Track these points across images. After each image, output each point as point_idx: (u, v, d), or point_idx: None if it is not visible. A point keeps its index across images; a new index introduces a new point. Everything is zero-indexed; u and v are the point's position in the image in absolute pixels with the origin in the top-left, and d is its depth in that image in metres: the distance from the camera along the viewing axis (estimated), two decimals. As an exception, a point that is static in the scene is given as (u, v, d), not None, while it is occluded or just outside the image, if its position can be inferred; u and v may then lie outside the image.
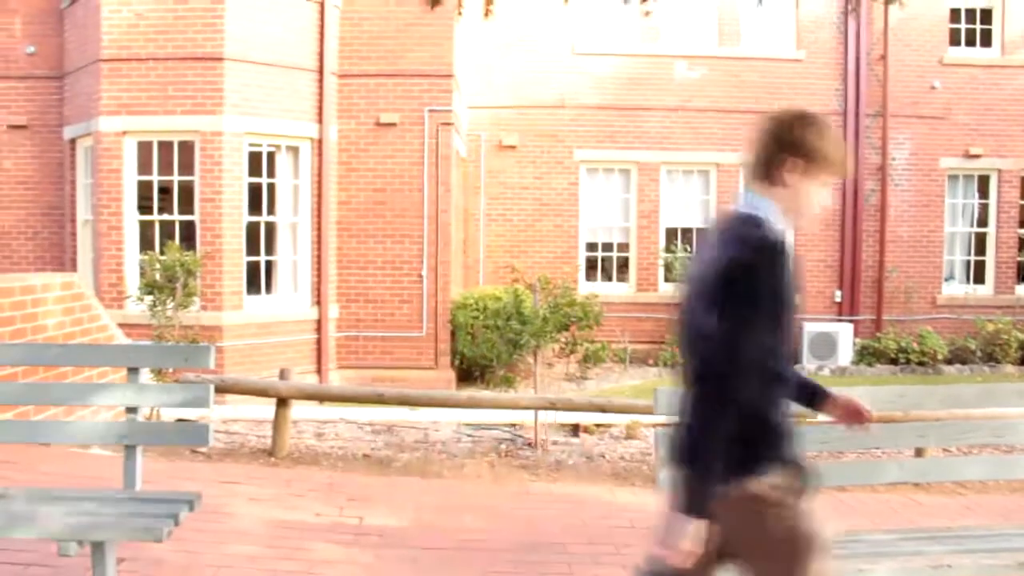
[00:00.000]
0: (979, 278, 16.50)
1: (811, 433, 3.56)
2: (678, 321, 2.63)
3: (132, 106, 11.31)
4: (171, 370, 8.28)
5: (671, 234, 15.85)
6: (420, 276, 12.57)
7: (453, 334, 12.69)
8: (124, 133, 11.36)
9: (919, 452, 6.10)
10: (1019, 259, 16.38)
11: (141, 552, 4.11)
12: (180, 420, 6.70)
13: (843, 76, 15.71)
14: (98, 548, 3.30)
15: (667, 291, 15.59)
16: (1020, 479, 6.29)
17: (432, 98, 12.50)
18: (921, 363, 14.96)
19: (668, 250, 15.70)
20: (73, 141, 12.46)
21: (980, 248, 16.51)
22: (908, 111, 15.86)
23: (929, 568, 3.15)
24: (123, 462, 3.71)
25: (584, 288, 14.53)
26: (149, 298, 8.99)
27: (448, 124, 12.59)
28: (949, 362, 15.21)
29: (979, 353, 15.28)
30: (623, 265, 15.95)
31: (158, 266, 9.00)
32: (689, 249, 15.62)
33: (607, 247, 16.00)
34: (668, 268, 15.56)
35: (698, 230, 15.79)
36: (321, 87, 12.18)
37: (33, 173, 12.89)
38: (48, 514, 3.29)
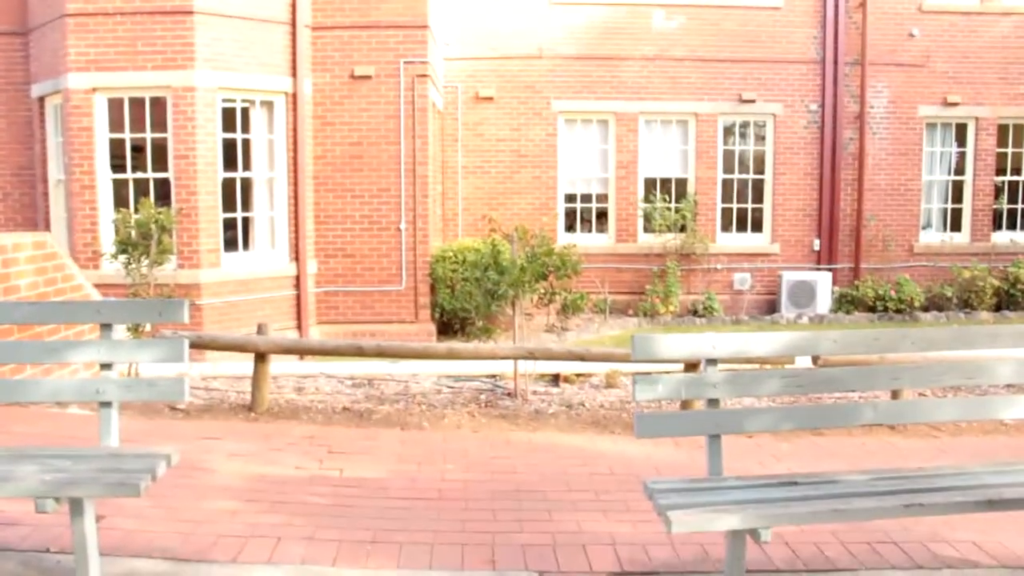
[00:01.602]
0: (956, 226, 16.61)
1: (788, 376, 3.58)
2: None
3: (101, 62, 11.11)
4: (149, 328, 8.24)
5: (650, 184, 15.82)
6: (398, 229, 12.52)
7: (433, 287, 12.68)
8: (94, 90, 11.17)
9: (895, 395, 6.18)
10: (995, 207, 16.48)
11: (120, 509, 4.11)
12: (161, 377, 6.66)
13: (822, 24, 15.62)
14: (76, 505, 3.28)
15: (646, 241, 15.61)
16: (992, 420, 6.38)
17: (407, 50, 12.36)
18: (899, 310, 15.10)
19: (647, 200, 15.69)
20: (41, 99, 12.26)
21: (957, 196, 16.59)
22: (886, 59, 15.83)
23: (902, 507, 3.19)
24: (99, 419, 3.68)
25: (564, 239, 14.50)
26: (123, 256, 8.90)
27: (424, 76, 12.45)
28: (926, 309, 15.37)
29: (955, 300, 15.44)
30: (602, 216, 15.93)
31: (132, 223, 8.90)
32: (667, 199, 15.62)
33: (586, 198, 15.96)
34: (647, 219, 15.56)
35: (677, 180, 15.79)
36: (294, 40, 12.00)
37: (1, 133, 12.68)
38: (24, 472, 3.26)
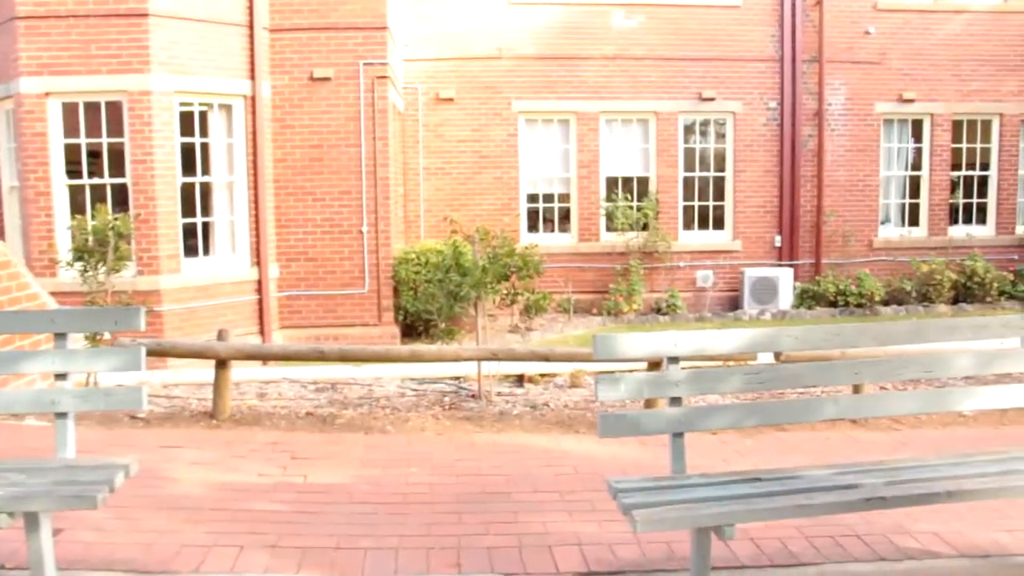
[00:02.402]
0: (914, 221, 16.84)
1: (750, 373, 3.59)
2: None
3: (54, 66, 10.92)
4: (108, 337, 8.11)
5: (612, 183, 15.87)
6: (360, 232, 12.44)
7: (396, 289, 12.62)
8: (47, 94, 10.98)
9: (856, 389, 6.24)
10: (951, 202, 16.73)
11: (79, 521, 4.04)
12: (118, 386, 6.56)
13: (779, 22, 15.76)
14: (31, 519, 3.22)
15: (609, 240, 15.65)
16: (951, 412, 6.47)
17: (367, 51, 12.29)
18: (859, 305, 15.29)
19: (609, 199, 15.74)
20: (-7, 104, 12.03)
21: (914, 191, 16.82)
22: (843, 56, 16.01)
23: (864, 500, 3.21)
24: (55, 430, 3.61)
25: (527, 239, 14.50)
26: (79, 264, 8.76)
27: (384, 78, 12.39)
28: (886, 303, 15.57)
29: (914, 294, 15.66)
30: (565, 216, 15.95)
31: (88, 230, 8.76)
32: (629, 198, 15.68)
33: (548, 198, 15.97)
34: (610, 218, 15.61)
35: (639, 179, 15.85)
36: (252, 42, 11.89)
37: (-47, 138, 12.41)
38: (-24, 486, 3.19)
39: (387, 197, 12.56)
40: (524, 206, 15.83)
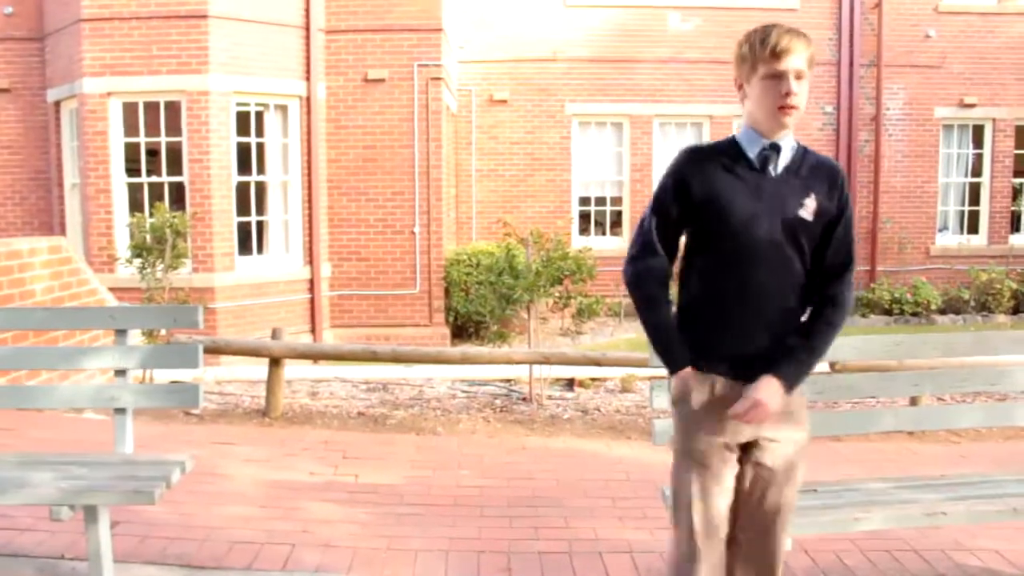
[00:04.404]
0: (973, 228, 16.47)
1: (805, 383, 3.52)
2: None
3: (116, 67, 11.14)
4: (164, 333, 8.24)
5: (664, 188, 15.72)
6: (412, 233, 12.50)
7: (447, 291, 12.66)
8: (109, 94, 11.20)
9: (914, 401, 6.11)
10: (1013, 209, 16.34)
11: (135, 515, 4.10)
12: (174, 382, 6.67)
13: (837, 26, 15.54)
14: (90, 512, 3.27)
15: (661, 245, 15.52)
16: (1014, 427, 6.31)
17: (421, 52, 12.34)
18: (915, 313, 14.99)
19: (661, 204, 15.59)
20: (57, 104, 12.30)
21: (974, 198, 16.46)
22: (902, 60, 15.73)
23: (924, 515, 3.14)
24: (114, 425, 3.68)
25: (578, 243, 14.44)
26: (138, 261, 8.90)
27: (438, 79, 12.43)
28: (942, 312, 15.24)
29: (972, 303, 15.30)
30: (616, 219, 15.88)
31: (146, 228, 8.90)
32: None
33: (600, 201, 15.91)
34: (661, 222, 15.48)
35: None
36: (308, 44, 12.00)
37: (17, 137, 12.74)
38: (40, 479, 3.26)
39: (439, 198, 12.60)
40: (576, 209, 15.78)
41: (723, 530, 2.56)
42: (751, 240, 2.46)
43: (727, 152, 2.54)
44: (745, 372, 2.50)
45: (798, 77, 2.44)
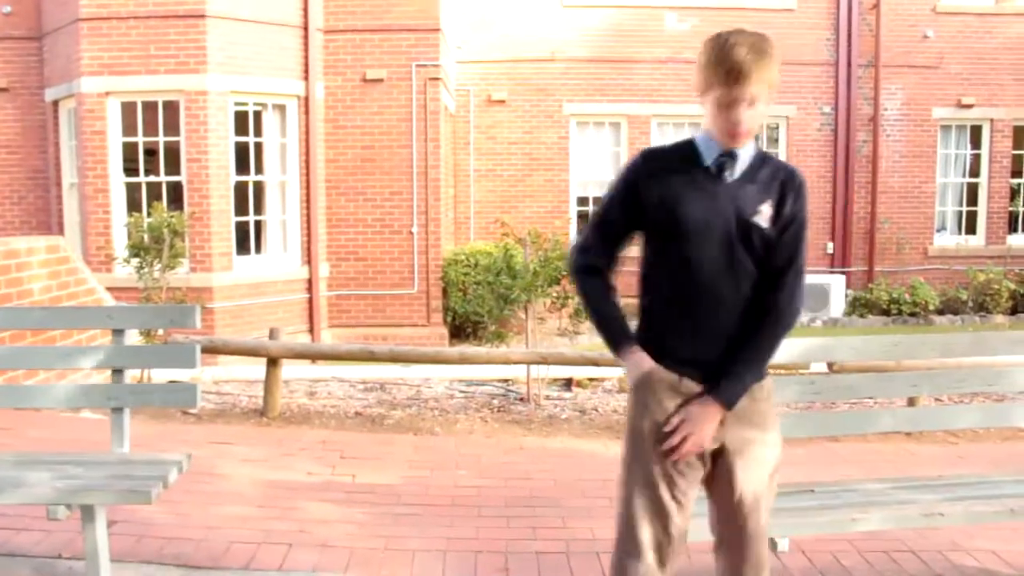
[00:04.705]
0: (971, 229, 16.49)
1: (802, 384, 3.53)
2: None
3: (114, 66, 11.13)
4: (161, 332, 8.23)
5: (662, 188, 15.73)
6: (411, 233, 12.50)
7: (445, 291, 12.66)
8: (107, 94, 11.19)
9: (912, 401, 6.11)
10: (1011, 209, 16.36)
11: (132, 514, 4.10)
12: (172, 382, 6.67)
13: (835, 26, 15.55)
14: (87, 511, 3.27)
15: (659, 245, 15.53)
16: (1012, 427, 6.31)
17: (419, 53, 12.34)
18: (913, 314, 15.00)
19: (660, 204, 15.60)
20: (55, 103, 12.30)
21: (972, 199, 16.48)
22: (900, 61, 15.74)
23: (921, 516, 3.14)
24: (111, 425, 3.67)
25: (576, 243, 14.44)
26: (135, 260, 8.88)
27: (436, 79, 12.44)
28: (940, 312, 15.25)
29: (970, 303, 15.31)
30: (614, 220, 15.84)
31: (144, 227, 8.89)
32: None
33: (598, 201, 15.85)
34: (660, 222, 15.49)
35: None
36: (306, 43, 12.00)
37: (15, 137, 12.73)
38: (36, 479, 3.25)
39: (437, 198, 12.61)
40: (574, 209, 15.79)
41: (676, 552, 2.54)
42: (704, 245, 2.44)
43: (684, 156, 2.51)
44: (706, 374, 2.48)
45: (752, 103, 2.37)
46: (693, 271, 2.46)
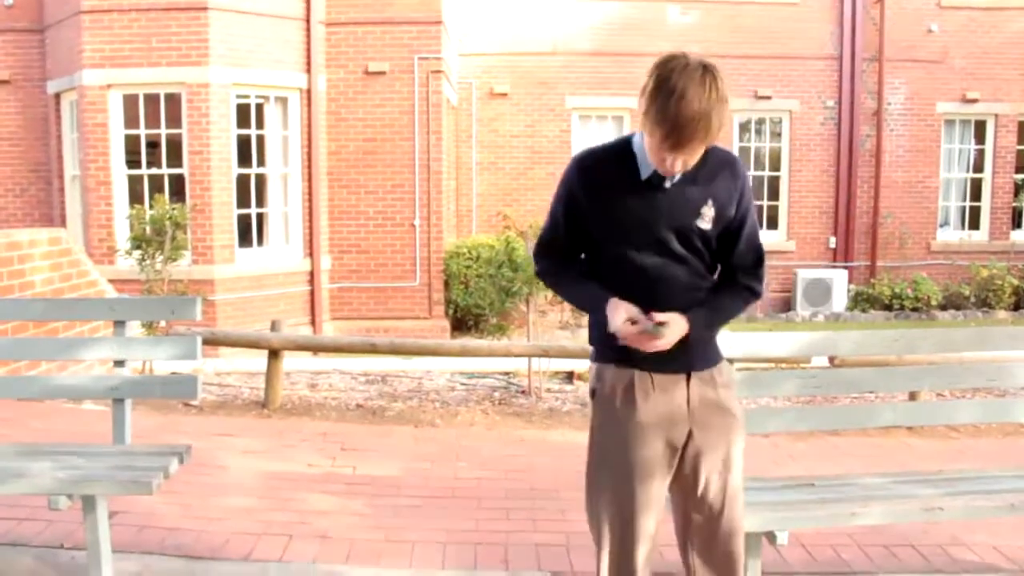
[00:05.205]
0: (974, 224, 16.47)
1: (804, 378, 3.53)
2: None
3: (116, 58, 11.13)
4: (163, 324, 8.25)
5: (665, 182, 15.71)
6: (413, 226, 12.50)
7: (447, 283, 12.66)
8: (109, 86, 11.19)
9: (912, 396, 6.12)
10: (1014, 205, 16.33)
11: (133, 505, 4.11)
12: (173, 374, 6.68)
13: (839, 20, 15.50)
14: (88, 502, 3.27)
15: (661, 239, 15.52)
16: (1013, 423, 6.31)
17: (421, 45, 12.32)
18: (915, 309, 14.98)
19: (662, 198, 15.59)
20: (57, 95, 12.30)
21: (976, 194, 16.44)
22: (905, 55, 15.69)
23: (921, 510, 3.14)
24: (112, 416, 3.68)
25: (578, 237, 14.44)
26: (137, 252, 8.92)
27: (438, 72, 12.42)
28: (943, 308, 15.24)
29: (973, 299, 15.30)
30: (617, 214, 15.84)
31: (146, 220, 8.91)
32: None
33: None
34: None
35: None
36: (308, 36, 11.99)
37: (17, 129, 12.74)
38: (38, 469, 3.26)
39: (439, 191, 12.60)
40: (576, 203, 15.75)
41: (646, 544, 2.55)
42: (647, 251, 2.44)
43: (621, 161, 2.47)
44: (663, 364, 2.47)
45: (690, 157, 2.33)
46: (640, 275, 2.46)
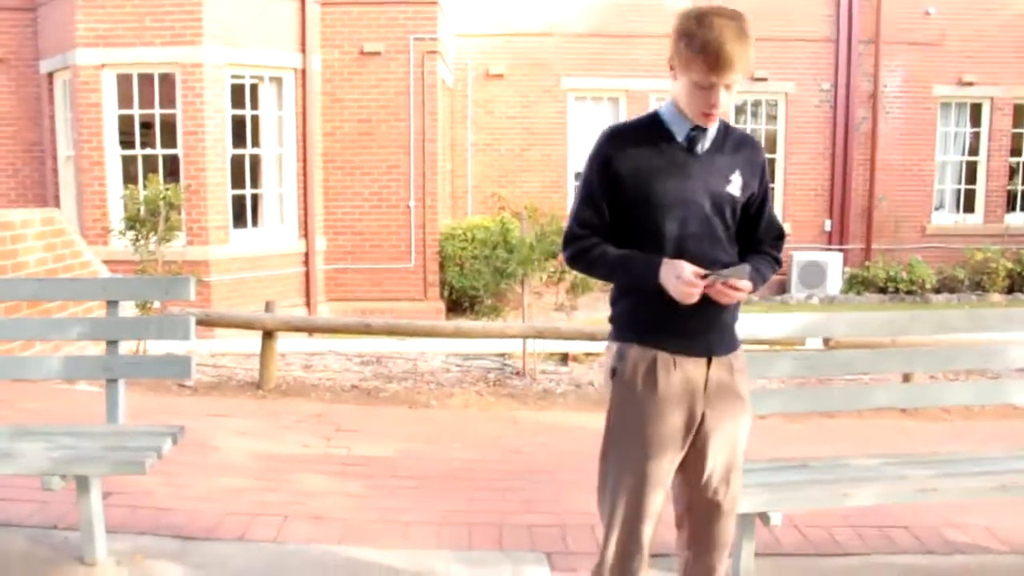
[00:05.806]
0: (969, 207, 16.47)
1: (798, 359, 3.53)
2: None
3: (109, 38, 11.05)
4: (158, 305, 8.21)
5: (661, 164, 15.69)
6: (408, 207, 12.47)
7: (442, 265, 12.65)
8: (102, 66, 11.11)
9: (906, 378, 6.12)
10: (1009, 188, 16.33)
11: (127, 486, 4.10)
12: (167, 354, 6.67)
13: (836, 2, 15.46)
14: (82, 482, 3.27)
15: (657, 222, 15.51)
16: (1005, 404, 6.33)
17: (417, 26, 12.25)
18: (909, 292, 15.01)
19: (658, 180, 15.56)
20: (50, 75, 12.21)
21: (971, 177, 16.44)
22: (901, 37, 15.65)
23: (914, 491, 3.15)
24: (105, 396, 3.67)
25: (573, 219, 14.41)
26: (131, 233, 8.85)
27: (434, 52, 12.35)
28: (937, 291, 15.27)
29: (967, 282, 15.33)
30: (612, 196, 15.82)
31: (140, 200, 8.85)
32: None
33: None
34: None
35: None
36: (303, 16, 11.91)
37: (11, 109, 12.65)
38: (31, 449, 3.25)
39: (435, 172, 12.56)
40: (572, 184, 15.73)
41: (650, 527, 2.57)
42: (681, 218, 2.46)
43: (652, 131, 2.52)
44: (686, 346, 2.49)
45: (730, 87, 2.38)
46: (672, 245, 2.47)
